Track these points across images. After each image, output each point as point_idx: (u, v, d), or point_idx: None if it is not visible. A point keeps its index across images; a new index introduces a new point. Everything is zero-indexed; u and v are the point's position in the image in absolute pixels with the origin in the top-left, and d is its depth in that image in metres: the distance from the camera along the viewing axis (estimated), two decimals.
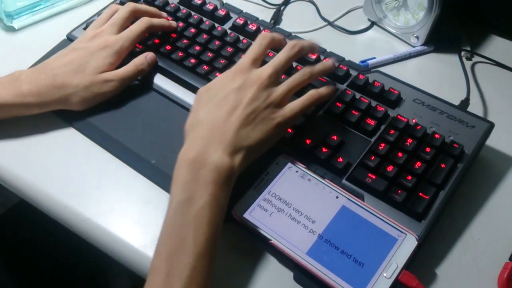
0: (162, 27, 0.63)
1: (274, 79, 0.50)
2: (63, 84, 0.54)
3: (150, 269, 0.41)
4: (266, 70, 0.49)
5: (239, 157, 0.46)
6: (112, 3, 0.69)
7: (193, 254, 0.40)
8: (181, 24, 0.64)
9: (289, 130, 0.53)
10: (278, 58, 0.51)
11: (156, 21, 0.61)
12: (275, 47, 0.53)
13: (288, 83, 0.50)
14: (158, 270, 0.40)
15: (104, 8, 0.68)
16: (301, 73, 0.51)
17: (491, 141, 0.53)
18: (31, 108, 0.55)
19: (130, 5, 0.61)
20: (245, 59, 0.50)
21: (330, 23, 0.71)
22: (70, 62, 0.56)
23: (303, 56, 0.53)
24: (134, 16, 0.62)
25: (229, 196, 0.45)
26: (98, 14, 0.67)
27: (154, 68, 0.61)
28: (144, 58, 0.59)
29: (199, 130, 0.46)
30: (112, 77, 0.56)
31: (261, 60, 0.51)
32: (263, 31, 0.53)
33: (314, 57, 0.59)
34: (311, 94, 0.52)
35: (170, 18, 0.65)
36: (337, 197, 0.47)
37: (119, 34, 0.59)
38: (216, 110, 0.47)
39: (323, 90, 0.53)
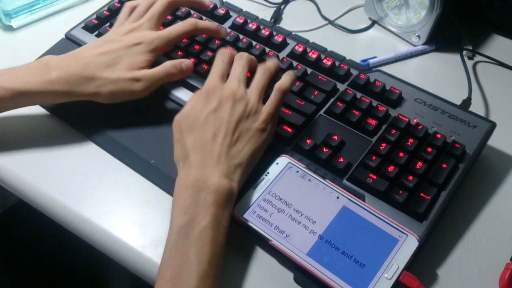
0: (208, 31, 0.59)
1: (244, 89, 0.50)
2: (93, 75, 0.53)
3: None
4: (234, 82, 0.50)
5: (237, 176, 0.46)
6: (110, 2, 0.68)
7: (197, 275, 0.40)
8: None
9: (289, 130, 0.52)
10: (238, 70, 0.52)
11: (202, 24, 0.58)
12: (232, 62, 0.54)
13: (256, 87, 0.51)
14: None
15: (103, 7, 0.67)
16: (262, 73, 0.53)
17: (493, 141, 0.53)
18: (58, 96, 0.53)
19: None
20: (213, 78, 0.51)
21: (331, 22, 0.71)
22: (104, 53, 0.54)
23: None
24: (172, 8, 0.60)
25: (230, 216, 0.45)
26: (97, 13, 0.66)
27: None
28: (178, 63, 0.56)
29: (191, 157, 0.46)
30: (140, 76, 0.54)
31: (226, 76, 0.52)
32: (227, 49, 0.54)
33: (315, 56, 0.58)
34: (278, 88, 0.52)
35: (219, 27, 0.61)
36: (337, 198, 0.47)
37: (157, 32, 0.56)
38: (201, 136, 0.47)
39: (285, 79, 0.53)
